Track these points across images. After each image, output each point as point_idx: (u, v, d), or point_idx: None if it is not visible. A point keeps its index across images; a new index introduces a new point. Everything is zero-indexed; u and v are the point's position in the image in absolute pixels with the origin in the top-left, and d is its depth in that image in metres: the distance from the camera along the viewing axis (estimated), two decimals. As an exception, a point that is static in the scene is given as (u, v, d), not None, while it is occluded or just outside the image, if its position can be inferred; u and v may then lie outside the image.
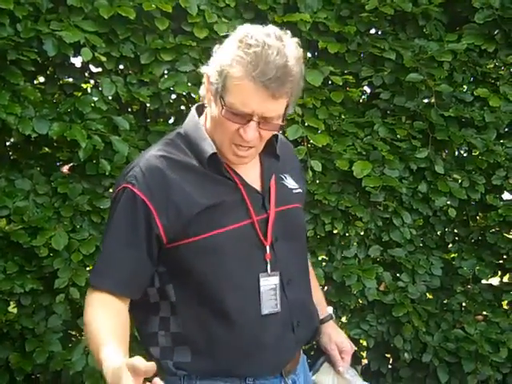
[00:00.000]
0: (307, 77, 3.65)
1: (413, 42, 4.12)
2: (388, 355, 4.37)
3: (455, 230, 4.36)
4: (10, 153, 3.86)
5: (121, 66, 3.77)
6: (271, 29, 1.99)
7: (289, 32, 2.03)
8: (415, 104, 4.10)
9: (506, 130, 4.28)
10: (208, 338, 2.11)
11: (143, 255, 2.05)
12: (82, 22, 3.55)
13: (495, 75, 4.25)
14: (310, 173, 3.83)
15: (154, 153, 2.11)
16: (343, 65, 4.08)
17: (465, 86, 4.24)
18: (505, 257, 4.33)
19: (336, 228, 4.02)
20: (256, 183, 2.18)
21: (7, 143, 3.83)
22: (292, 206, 2.26)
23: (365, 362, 4.35)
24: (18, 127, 3.42)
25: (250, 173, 2.17)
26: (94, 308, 2.02)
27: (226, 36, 3.64)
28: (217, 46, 2.05)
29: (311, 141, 3.87)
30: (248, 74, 1.90)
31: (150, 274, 2.10)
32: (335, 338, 2.50)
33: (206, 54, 3.72)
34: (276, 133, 2.18)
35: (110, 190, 3.64)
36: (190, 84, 3.71)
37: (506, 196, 4.31)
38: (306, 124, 3.84)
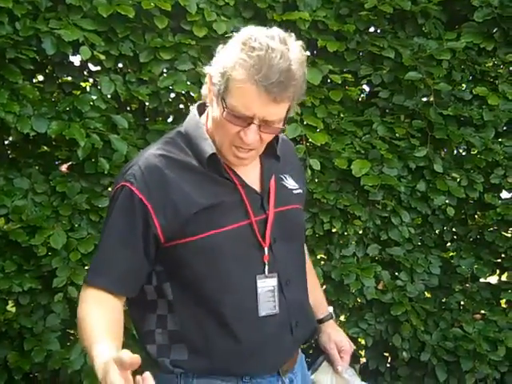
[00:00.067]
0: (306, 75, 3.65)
1: (412, 40, 4.11)
2: (386, 354, 4.37)
3: (454, 229, 4.36)
4: (9, 151, 3.85)
5: (120, 65, 3.76)
6: (275, 31, 1.98)
7: (293, 34, 2.01)
8: (414, 103, 4.10)
9: (505, 128, 4.27)
10: (205, 338, 2.11)
11: (140, 254, 2.05)
12: (81, 20, 3.54)
13: (494, 74, 4.24)
14: (309, 171, 3.82)
15: (153, 151, 2.11)
16: (342, 63, 4.07)
17: (463, 85, 4.24)
18: (503, 255, 4.33)
19: (334, 227, 4.02)
20: (255, 184, 2.18)
21: (6, 142, 3.83)
22: (291, 206, 2.26)
23: (363, 360, 4.35)
24: (17, 126, 3.41)
25: (250, 173, 2.17)
26: (88, 304, 2.03)
27: (225, 34, 3.68)
28: (220, 46, 2.04)
29: (310, 139, 3.86)
30: (250, 77, 1.89)
31: (147, 272, 2.10)
32: (334, 337, 2.51)
33: (205, 53, 3.73)
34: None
35: (109, 189, 3.63)
36: (189, 83, 3.71)
37: (504, 195, 4.32)
38: (305, 122, 3.84)
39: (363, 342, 4.19)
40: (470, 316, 4.21)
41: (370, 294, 4.00)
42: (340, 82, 3.95)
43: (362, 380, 2.56)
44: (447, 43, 4.06)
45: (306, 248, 2.53)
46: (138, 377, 1.63)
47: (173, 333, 2.13)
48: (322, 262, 4.11)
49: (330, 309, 2.60)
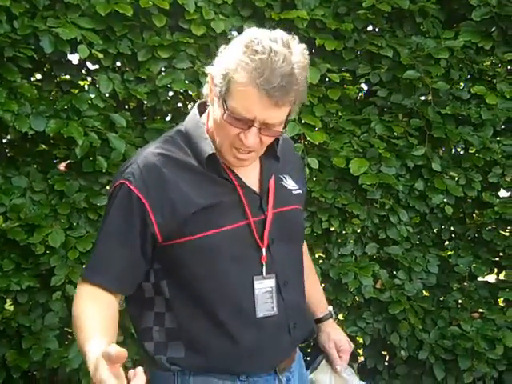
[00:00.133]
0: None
1: (410, 39, 4.11)
2: (384, 352, 4.37)
3: (452, 228, 4.36)
4: (7, 150, 3.85)
5: (118, 63, 3.77)
6: (279, 33, 1.97)
7: (296, 37, 2.00)
8: (412, 101, 4.10)
9: (503, 127, 4.27)
10: (201, 336, 2.11)
11: (137, 252, 2.05)
12: (79, 18, 3.53)
13: (492, 72, 4.23)
14: (307, 170, 3.82)
15: (152, 150, 2.11)
16: (340, 62, 4.07)
17: (461, 84, 4.24)
18: (501, 254, 4.33)
19: (333, 225, 4.02)
20: (254, 184, 2.18)
21: (4, 140, 3.83)
22: (291, 207, 2.25)
23: (361, 359, 4.36)
24: (15, 124, 3.40)
25: (249, 174, 2.17)
26: (84, 301, 2.03)
27: (224, 33, 3.68)
28: (223, 46, 2.03)
29: (308, 138, 3.86)
30: (252, 80, 1.88)
31: (144, 270, 2.10)
32: (334, 336, 2.52)
33: (203, 52, 3.74)
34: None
35: (107, 188, 3.63)
36: (187, 81, 3.71)
37: (502, 193, 4.32)
38: (303, 121, 3.83)
39: (361, 340, 4.20)
40: (468, 315, 4.21)
41: (368, 292, 4.00)
42: (338, 81, 3.94)
43: (360, 379, 2.57)
44: (445, 42, 4.06)
45: (306, 246, 2.54)
46: (131, 371, 1.63)
47: (170, 330, 2.14)
48: (321, 261, 4.11)
49: (330, 308, 2.60)
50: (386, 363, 4.38)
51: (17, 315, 3.61)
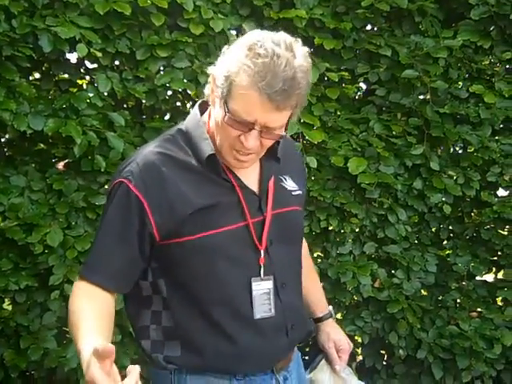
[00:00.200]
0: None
1: (408, 38, 4.11)
2: (383, 352, 4.38)
3: (450, 227, 4.36)
4: (5, 149, 3.85)
5: (116, 62, 3.76)
6: (282, 36, 1.95)
7: (299, 40, 1.99)
8: (410, 100, 4.10)
9: (501, 126, 4.28)
10: (198, 336, 2.11)
11: (135, 251, 2.05)
12: (78, 17, 3.53)
13: (490, 72, 4.24)
14: (306, 169, 3.82)
15: (152, 149, 2.10)
16: (339, 61, 4.08)
17: (460, 83, 4.24)
18: (499, 253, 4.34)
19: (331, 225, 4.02)
20: (254, 185, 2.17)
21: (2, 139, 3.82)
22: (290, 208, 2.24)
23: (360, 358, 4.36)
24: (13, 123, 3.40)
25: (249, 174, 2.16)
26: (80, 299, 2.03)
27: (222, 32, 3.67)
28: (226, 46, 2.02)
29: (307, 137, 3.87)
30: (254, 84, 1.87)
31: (141, 269, 2.10)
32: (333, 336, 2.51)
33: (201, 51, 3.73)
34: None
35: (106, 187, 3.62)
36: (185, 80, 3.70)
37: (500, 192, 4.32)
38: (302, 120, 3.83)
39: (360, 339, 4.20)
40: (466, 314, 4.21)
41: (366, 291, 4.00)
42: (337, 80, 3.95)
43: (359, 378, 2.57)
44: (444, 41, 4.06)
45: (306, 245, 2.54)
46: (129, 367, 1.64)
47: (167, 329, 2.14)
48: (319, 260, 4.11)
49: (330, 307, 2.60)
50: (385, 362, 4.38)
51: (15, 315, 3.61)
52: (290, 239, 2.24)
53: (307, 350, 3.68)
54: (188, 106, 4.06)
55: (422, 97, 4.17)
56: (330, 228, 4.07)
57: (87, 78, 3.90)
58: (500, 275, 4.42)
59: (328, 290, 3.99)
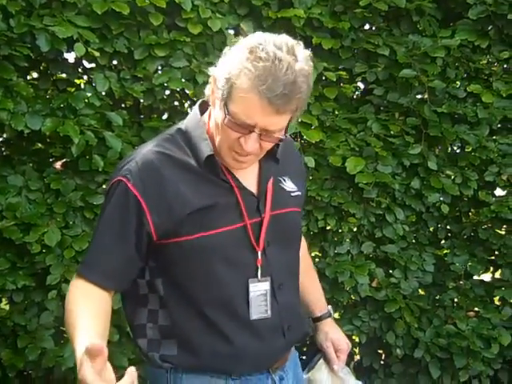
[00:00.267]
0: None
1: (406, 37, 4.11)
2: (380, 351, 4.39)
3: (448, 226, 4.36)
4: (3, 149, 3.84)
5: (114, 62, 3.75)
6: (284, 39, 1.94)
7: (301, 43, 1.98)
8: (408, 100, 4.10)
9: (499, 126, 4.28)
10: (194, 335, 2.11)
11: (132, 250, 2.05)
12: (76, 17, 3.52)
13: (488, 71, 4.24)
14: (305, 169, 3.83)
15: (151, 148, 2.10)
16: (337, 61, 4.07)
17: (458, 82, 4.24)
18: (497, 253, 4.33)
19: (329, 224, 4.02)
20: (252, 186, 2.16)
21: (0, 139, 3.81)
22: (288, 209, 2.24)
23: (357, 357, 4.37)
24: (11, 123, 3.39)
25: (248, 175, 2.15)
26: (77, 297, 2.03)
27: (220, 31, 3.67)
28: (227, 47, 2.01)
29: (304, 137, 3.87)
30: (254, 87, 1.87)
31: (138, 268, 2.10)
32: (332, 335, 2.52)
33: (199, 50, 3.72)
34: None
35: (104, 186, 3.62)
36: (183, 80, 3.70)
37: (498, 192, 4.32)
38: (300, 120, 3.81)
39: (357, 339, 4.19)
40: (463, 313, 4.21)
41: (363, 291, 4.00)
42: (335, 80, 3.94)
43: (356, 377, 2.58)
44: (442, 41, 4.06)
45: (305, 244, 2.54)
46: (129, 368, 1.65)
47: (163, 328, 2.14)
48: (317, 260, 4.11)
49: (329, 307, 2.60)
50: (382, 362, 4.39)
51: (12, 314, 3.61)
52: (287, 240, 2.24)
53: (305, 349, 3.69)
54: (186, 105, 4.06)
55: (419, 96, 4.16)
56: (328, 227, 4.07)
57: (85, 77, 3.90)
58: (497, 275, 4.41)
59: (326, 290, 3.96)
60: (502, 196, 4.27)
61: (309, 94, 1.98)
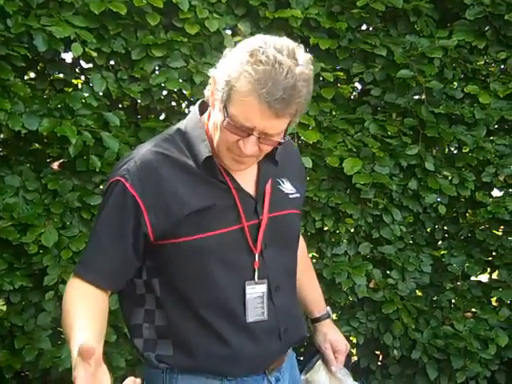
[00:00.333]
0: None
1: (404, 38, 4.11)
2: (378, 352, 4.39)
3: (445, 227, 4.38)
4: (0, 149, 3.83)
5: (112, 62, 3.75)
6: (285, 42, 1.94)
7: (302, 46, 1.98)
8: (406, 101, 4.10)
9: (496, 126, 4.29)
10: (190, 337, 2.11)
11: (129, 251, 2.05)
12: (73, 17, 3.51)
13: (485, 72, 4.25)
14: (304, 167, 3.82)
15: (150, 148, 2.10)
16: (334, 61, 4.08)
17: (455, 83, 4.24)
18: (494, 254, 4.33)
19: (326, 225, 4.02)
20: (250, 188, 2.16)
21: (-3, 139, 3.81)
22: (287, 211, 2.24)
23: (354, 358, 4.36)
24: (8, 123, 3.38)
25: (246, 177, 2.15)
26: (74, 298, 2.03)
27: (218, 32, 3.66)
28: (227, 49, 2.01)
29: (302, 137, 3.86)
30: (254, 91, 1.86)
31: (135, 268, 2.10)
32: (330, 336, 2.52)
33: (197, 50, 3.72)
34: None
35: (101, 187, 3.62)
36: (181, 80, 3.69)
37: (495, 193, 4.32)
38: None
39: (355, 340, 4.20)
40: (460, 314, 4.22)
41: (361, 292, 4.00)
42: (332, 80, 3.94)
43: (354, 378, 2.57)
44: (439, 41, 4.06)
45: (304, 245, 2.54)
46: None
47: (159, 328, 2.14)
48: (314, 261, 4.10)
49: (328, 308, 2.60)
50: (379, 363, 4.39)
51: (9, 315, 3.60)
52: (285, 242, 2.24)
53: (302, 350, 3.69)
54: (183, 105, 4.06)
55: (417, 97, 4.16)
56: (325, 228, 4.07)
57: (82, 77, 3.89)
58: (495, 275, 4.42)
59: (323, 291, 3.90)
60: (499, 197, 4.28)
61: (309, 97, 1.97)
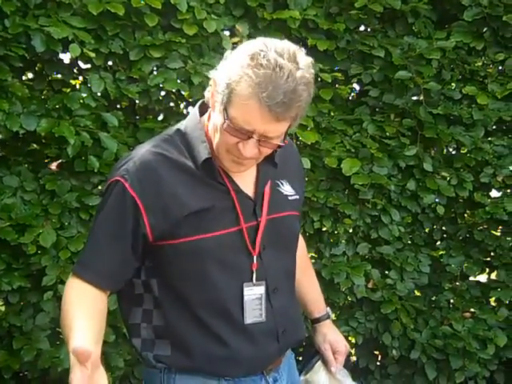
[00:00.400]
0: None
1: (402, 39, 4.12)
2: (376, 352, 4.39)
3: (443, 228, 4.38)
4: (-2, 149, 3.84)
5: (110, 63, 3.74)
6: (286, 45, 1.93)
7: (303, 49, 1.97)
8: (404, 101, 4.11)
9: (494, 127, 4.30)
10: (188, 337, 2.11)
11: (127, 251, 2.05)
12: (71, 17, 3.51)
13: (483, 73, 4.25)
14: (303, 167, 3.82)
15: (149, 148, 2.10)
16: (332, 62, 4.08)
17: (453, 84, 4.25)
18: (492, 254, 4.34)
19: (325, 225, 4.02)
20: (249, 189, 2.16)
21: (-5, 140, 3.81)
22: (285, 213, 2.24)
23: (353, 359, 4.36)
24: (6, 123, 3.37)
25: (245, 179, 2.15)
26: (72, 298, 2.03)
27: (216, 32, 3.66)
28: (228, 51, 2.00)
29: (300, 138, 3.86)
30: (254, 94, 1.85)
31: (134, 268, 2.10)
32: (330, 337, 2.52)
33: (195, 51, 3.72)
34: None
35: (99, 187, 3.62)
36: (179, 81, 3.69)
37: (493, 193, 4.33)
38: (295, 121, 3.82)
39: (353, 340, 4.20)
40: (459, 314, 4.22)
41: (360, 292, 4.01)
42: (330, 81, 3.94)
43: (352, 378, 2.57)
44: (437, 42, 4.07)
45: (304, 245, 2.54)
46: None
47: (157, 328, 2.14)
48: (313, 261, 4.09)
49: (328, 309, 2.60)
50: (378, 363, 4.39)
51: (8, 315, 3.60)
52: (284, 244, 2.24)
53: (301, 350, 3.69)
54: (181, 106, 4.06)
55: (415, 98, 4.17)
56: (324, 229, 4.07)
57: (80, 78, 3.88)
58: (493, 276, 4.43)
59: (322, 291, 3.97)
60: (498, 197, 4.28)
61: (309, 100, 1.96)
